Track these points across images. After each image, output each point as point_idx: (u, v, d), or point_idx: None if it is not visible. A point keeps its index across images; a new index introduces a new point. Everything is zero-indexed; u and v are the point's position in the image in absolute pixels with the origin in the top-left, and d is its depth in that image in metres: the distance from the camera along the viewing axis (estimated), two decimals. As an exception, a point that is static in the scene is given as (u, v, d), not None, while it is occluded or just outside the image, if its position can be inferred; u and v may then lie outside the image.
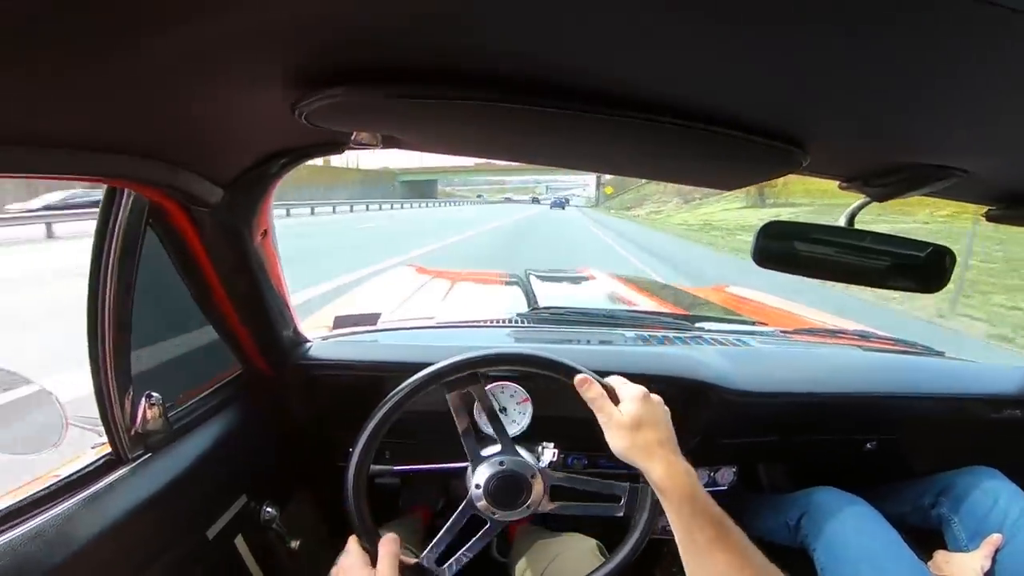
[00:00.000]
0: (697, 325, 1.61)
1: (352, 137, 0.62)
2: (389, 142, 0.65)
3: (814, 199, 24.91)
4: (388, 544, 0.79)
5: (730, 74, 0.43)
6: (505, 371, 1.15)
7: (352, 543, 0.83)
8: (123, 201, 0.72)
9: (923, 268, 0.83)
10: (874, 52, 0.36)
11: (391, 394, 0.85)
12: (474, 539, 0.88)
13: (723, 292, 2.67)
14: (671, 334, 1.49)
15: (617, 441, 0.73)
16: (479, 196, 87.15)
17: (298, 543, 1.11)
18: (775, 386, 1.25)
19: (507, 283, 2.42)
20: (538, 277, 2.40)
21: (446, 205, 64.22)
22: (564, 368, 0.84)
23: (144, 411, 0.79)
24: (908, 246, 0.83)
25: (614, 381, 0.80)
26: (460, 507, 0.88)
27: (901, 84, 0.41)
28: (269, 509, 1.07)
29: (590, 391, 0.77)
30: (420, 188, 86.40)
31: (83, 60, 0.39)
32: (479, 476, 0.87)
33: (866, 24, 0.32)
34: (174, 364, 0.93)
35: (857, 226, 0.80)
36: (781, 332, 1.66)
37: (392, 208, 41.25)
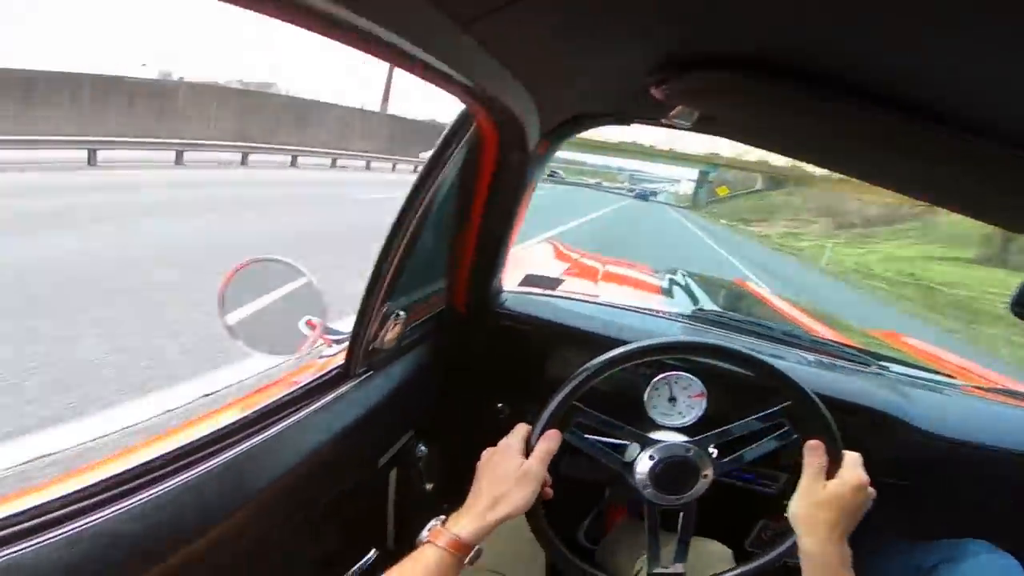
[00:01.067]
0: (880, 363, 1.49)
1: (672, 113, 0.63)
2: (704, 126, 0.65)
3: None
4: (549, 440, 0.78)
5: None
6: (686, 362, 1.12)
7: (520, 427, 0.81)
8: (467, 134, 0.78)
9: None
10: None
11: (607, 355, 0.84)
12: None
13: (898, 339, 2.44)
14: (850, 365, 1.39)
15: (799, 506, 0.75)
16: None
17: (431, 487, 1.14)
18: (958, 434, 1.16)
19: (658, 275, 2.37)
20: (688, 275, 2.33)
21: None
22: (821, 422, 0.81)
23: (388, 329, 0.86)
24: None
25: (849, 460, 0.78)
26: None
27: None
28: (422, 447, 1.12)
29: (814, 459, 0.77)
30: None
31: None
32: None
33: None
34: (417, 289, 0.99)
35: None
36: (972, 387, 1.50)
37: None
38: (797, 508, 0.75)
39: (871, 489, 0.76)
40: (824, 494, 0.74)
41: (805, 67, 0.45)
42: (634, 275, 2.45)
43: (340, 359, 0.87)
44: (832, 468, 0.77)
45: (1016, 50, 0.34)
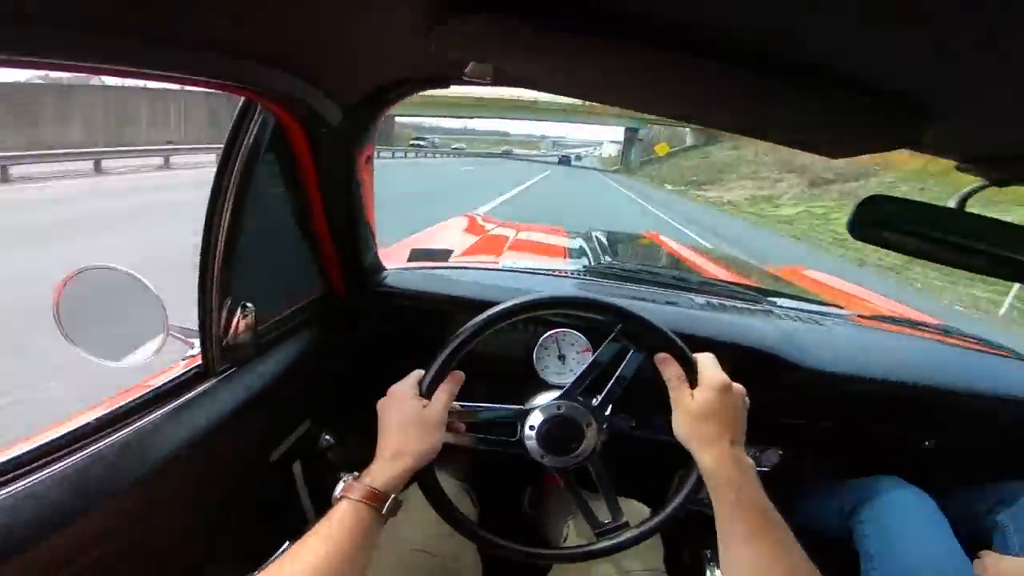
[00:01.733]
0: (769, 299, 1.57)
1: (467, 70, 0.63)
2: (500, 78, 0.65)
3: None
4: (451, 382, 0.77)
5: (862, 32, 0.40)
6: (573, 319, 1.15)
7: (414, 373, 0.79)
8: (254, 117, 0.76)
9: None
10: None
11: (474, 321, 0.82)
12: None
13: (799, 274, 2.57)
14: (740, 304, 1.45)
15: (680, 426, 0.74)
16: (456, 148, 67.24)
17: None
18: (843, 367, 1.21)
19: (570, 237, 2.41)
20: (602, 234, 2.37)
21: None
22: (660, 336, 0.80)
23: (238, 322, 0.83)
24: (1018, 234, 0.78)
25: (702, 362, 0.78)
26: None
27: None
28: (327, 437, 1.10)
29: (669, 370, 0.76)
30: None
31: None
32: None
33: None
34: (268, 280, 0.97)
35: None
36: (858, 316, 1.60)
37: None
38: (680, 427, 0.74)
39: (738, 386, 0.75)
40: (695, 404, 0.73)
41: (588, 6, 0.44)
42: (545, 239, 2.47)
43: (200, 359, 0.85)
44: (691, 376, 0.76)
45: None
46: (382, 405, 0.75)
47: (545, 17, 0.46)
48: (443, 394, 0.76)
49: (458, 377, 0.79)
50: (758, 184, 27.55)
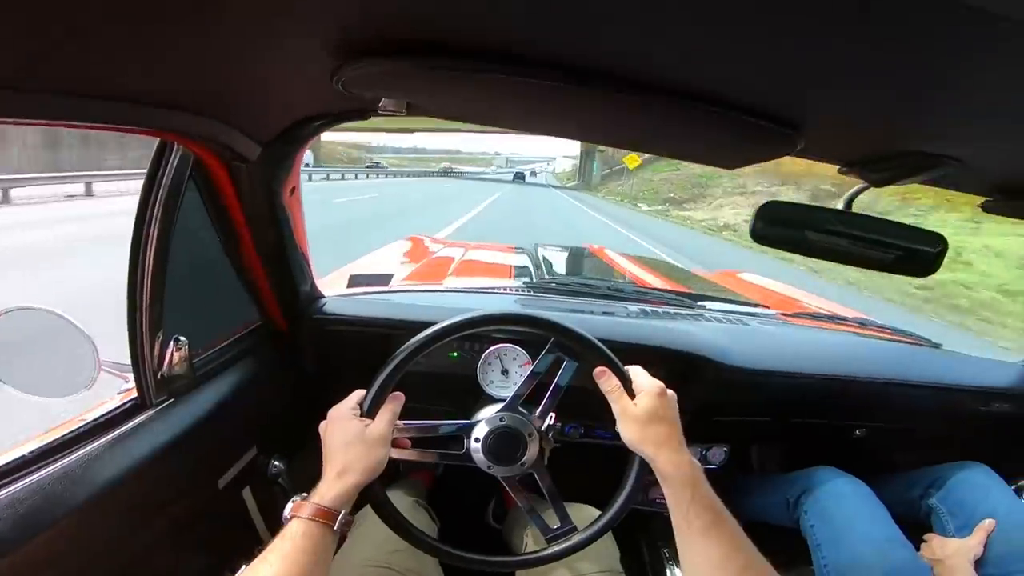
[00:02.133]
0: (699, 304, 1.65)
1: (380, 104, 0.66)
2: (413, 109, 0.69)
3: None
4: (393, 401, 0.79)
5: (727, 53, 0.45)
6: (513, 334, 1.18)
7: (355, 393, 0.80)
8: (171, 155, 0.77)
9: (916, 253, 0.86)
10: (875, 41, 0.38)
11: (411, 341, 0.84)
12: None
13: (733, 277, 2.69)
14: (672, 310, 1.53)
15: (629, 433, 0.77)
16: (375, 165, 58.80)
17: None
18: (769, 365, 1.28)
19: (516, 254, 2.46)
20: (547, 250, 2.43)
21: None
22: (594, 352, 0.84)
23: (172, 355, 0.84)
24: (902, 231, 0.86)
25: (633, 372, 0.82)
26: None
27: (899, 73, 0.44)
28: (277, 463, 1.11)
29: (607, 383, 0.80)
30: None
31: (145, 20, 0.43)
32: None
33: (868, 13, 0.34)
34: (202, 313, 0.97)
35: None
36: (781, 315, 1.69)
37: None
38: (629, 434, 0.76)
39: (670, 391, 0.79)
40: (639, 410, 0.76)
41: (473, 43, 0.48)
42: (492, 258, 2.52)
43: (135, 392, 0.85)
44: (627, 386, 0.80)
45: (654, 11, 0.39)
46: (323, 428, 0.77)
47: (439, 59, 0.50)
48: (386, 412, 0.78)
49: (399, 397, 0.81)
50: (751, 201, 21.95)
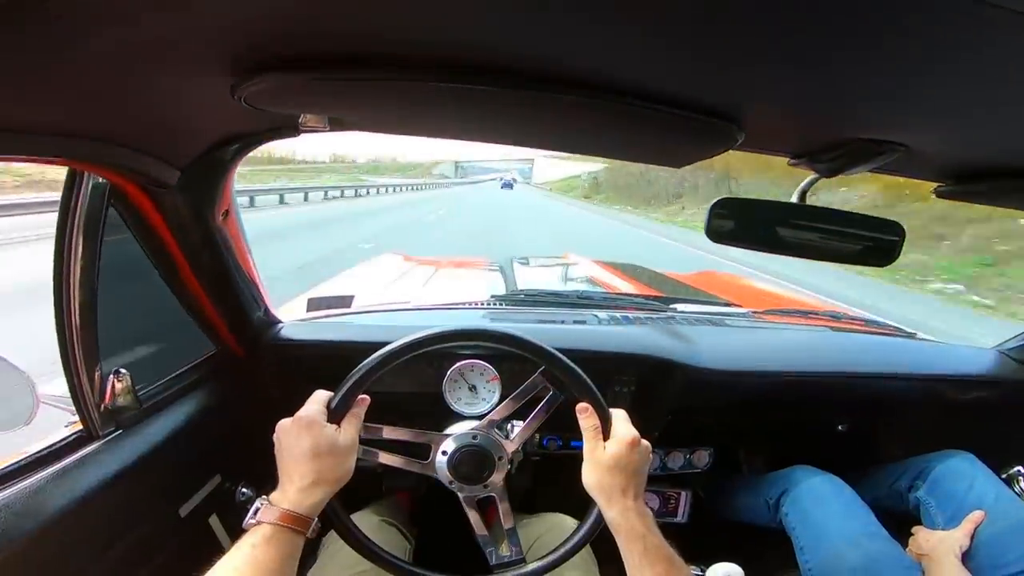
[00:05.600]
0: (670, 307, 1.64)
1: (300, 121, 0.64)
2: (337, 125, 0.66)
3: None
4: (360, 406, 0.78)
5: (657, 49, 0.44)
6: (478, 349, 1.16)
7: (318, 393, 0.78)
8: (84, 182, 0.73)
9: (873, 243, 0.86)
10: (805, 25, 0.38)
11: (376, 354, 0.81)
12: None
13: (711, 276, 2.70)
14: (643, 315, 1.51)
15: (589, 475, 0.77)
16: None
17: None
18: (741, 364, 1.28)
19: (490, 269, 2.45)
20: (520, 263, 2.42)
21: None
22: (582, 388, 0.82)
23: (113, 387, 0.81)
24: (859, 221, 0.85)
25: (616, 417, 0.82)
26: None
27: (831, 58, 0.43)
28: (245, 490, 1.09)
29: (587, 421, 0.80)
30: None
31: (39, 49, 0.41)
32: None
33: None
34: (146, 343, 0.94)
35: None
36: (753, 313, 1.69)
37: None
38: (589, 477, 0.77)
39: (645, 442, 0.79)
40: (606, 457, 0.76)
41: (368, 52, 0.46)
42: (464, 273, 2.50)
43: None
44: (605, 428, 0.79)
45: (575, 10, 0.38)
46: (285, 430, 0.73)
47: (341, 69, 0.48)
48: (353, 418, 0.76)
49: (365, 401, 0.79)
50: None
